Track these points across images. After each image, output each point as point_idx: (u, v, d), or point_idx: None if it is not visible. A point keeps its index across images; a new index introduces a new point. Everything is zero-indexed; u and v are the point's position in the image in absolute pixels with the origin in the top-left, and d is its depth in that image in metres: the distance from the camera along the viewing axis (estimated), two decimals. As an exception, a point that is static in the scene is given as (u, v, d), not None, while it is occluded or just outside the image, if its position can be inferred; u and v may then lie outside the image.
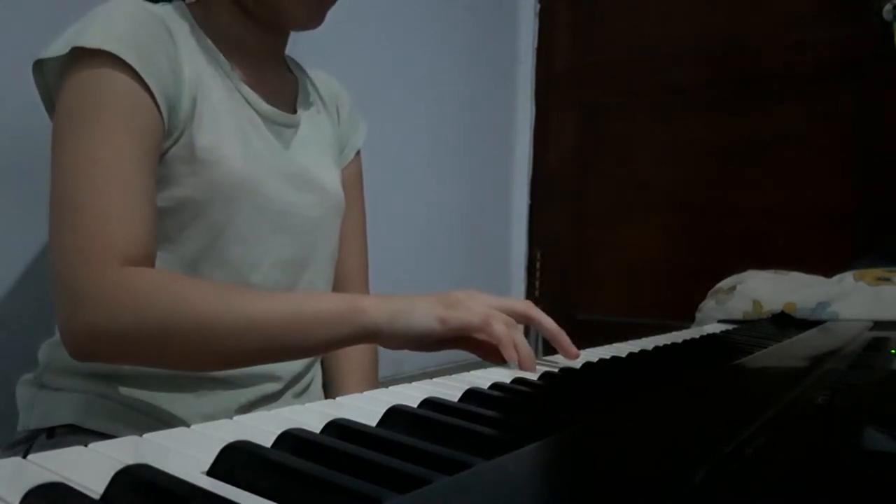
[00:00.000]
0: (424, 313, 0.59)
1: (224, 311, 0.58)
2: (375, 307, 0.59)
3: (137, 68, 0.63)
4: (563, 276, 2.05)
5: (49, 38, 0.66)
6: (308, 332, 0.59)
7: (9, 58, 0.87)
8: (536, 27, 2.10)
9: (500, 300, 0.62)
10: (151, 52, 0.65)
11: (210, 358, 0.63)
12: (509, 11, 2.07)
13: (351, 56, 1.38)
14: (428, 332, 0.59)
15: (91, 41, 0.62)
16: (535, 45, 2.10)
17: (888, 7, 1.56)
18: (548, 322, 0.62)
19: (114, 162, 0.61)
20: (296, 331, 0.59)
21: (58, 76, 0.66)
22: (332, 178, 0.84)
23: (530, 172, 2.10)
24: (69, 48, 0.63)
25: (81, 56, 0.63)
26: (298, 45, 0.86)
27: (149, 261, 0.62)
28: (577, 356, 0.62)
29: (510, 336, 0.58)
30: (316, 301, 0.60)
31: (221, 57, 0.74)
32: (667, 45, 1.88)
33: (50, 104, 0.68)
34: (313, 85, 0.89)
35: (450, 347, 0.63)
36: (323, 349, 0.62)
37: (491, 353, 0.62)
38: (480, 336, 0.60)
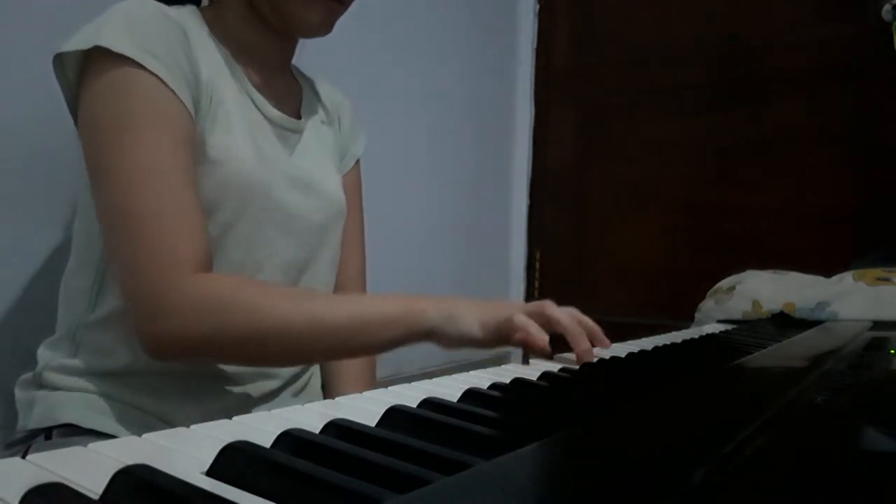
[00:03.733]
0: (470, 319, 0.63)
1: (297, 315, 0.62)
2: (433, 308, 0.64)
3: (164, 77, 0.64)
4: (562, 275, 2.05)
5: (54, 38, 0.66)
6: (373, 334, 0.63)
7: (12, 59, 0.87)
8: (536, 27, 2.10)
9: (535, 305, 0.66)
10: (174, 57, 0.66)
11: (283, 358, 0.71)
12: (508, 11, 2.07)
13: (351, 55, 1.38)
14: (470, 337, 0.64)
15: (115, 44, 0.63)
16: (535, 45, 2.10)
17: (887, 7, 1.56)
18: (565, 320, 0.65)
19: (165, 170, 0.64)
20: (362, 333, 0.63)
21: (76, 72, 0.67)
22: (334, 184, 0.85)
23: (529, 172, 2.10)
24: (91, 45, 0.63)
25: (106, 59, 0.64)
26: (300, 45, 0.86)
27: (210, 263, 0.66)
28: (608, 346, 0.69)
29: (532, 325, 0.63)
30: (380, 305, 0.64)
31: (233, 60, 0.75)
32: (666, 45, 1.88)
33: (71, 99, 0.69)
34: (316, 93, 0.90)
35: (500, 346, 0.67)
36: (385, 349, 0.66)
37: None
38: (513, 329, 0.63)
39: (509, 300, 2.00)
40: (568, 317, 0.65)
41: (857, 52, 1.63)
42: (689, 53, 1.85)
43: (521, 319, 0.63)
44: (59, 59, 0.67)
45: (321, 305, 0.65)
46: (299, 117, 0.83)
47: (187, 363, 0.71)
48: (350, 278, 0.91)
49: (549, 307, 0.66)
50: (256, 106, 0.76)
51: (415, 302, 0.64)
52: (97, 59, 0.64)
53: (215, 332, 0.62)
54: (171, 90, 0.65)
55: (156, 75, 0.64)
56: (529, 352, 0.66)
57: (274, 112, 0.78)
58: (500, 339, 0.64)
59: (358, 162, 0.95)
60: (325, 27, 0.76)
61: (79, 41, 0.64)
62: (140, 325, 0.64)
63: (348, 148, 0.93)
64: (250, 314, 0.62)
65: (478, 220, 1.94)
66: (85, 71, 0.65)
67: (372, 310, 0.64)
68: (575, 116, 2.05)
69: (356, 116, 0.96)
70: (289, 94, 0.84)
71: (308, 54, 0.87)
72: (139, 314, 0.63)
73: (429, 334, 0.64)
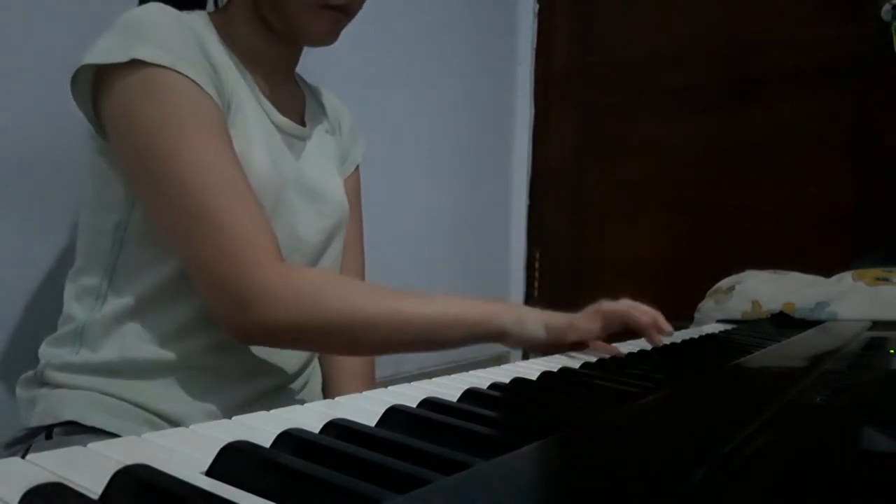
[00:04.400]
0: (535, 323, 0.70)
1: (382, 308, 0.66)
2: (506, 314, 0.69)
3: (198, 80, 0.65)
4: (561, 275, 2.05)
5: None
6: (450, 332, 0.68)
7: (14, 61, 0.87)
8: (535, 27, 2.10)
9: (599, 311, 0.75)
10: (201, 62, 0.67)
11: (367, 348, 0.76)
12: (508, 12, 2.07)
13: (351, 56, 1.38)
14: (536, 339, 0.70)
15: (148, 54, 0.64)
16: (534, 45, 2.10)
17: (886, 7, 1.56)
18: (642, 316, 0.76)
19: (222, 166, 0.65)
20: (440, 331, 0.68)
21: (92, 78, 0.67)
22: (338, 190, 0.86)
23: (529, 172, 2.10)
24: (128, 58, 0.63)
25: (139, 67, 0.64)
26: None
27: (280, 252, 0.67)
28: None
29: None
30: (461, 306, 0.69)
31: (242, 66, 0.76)
32: (666, 45, 1.88)
33: (84, 104, 0.69)
34: (318, 99, 0.92)
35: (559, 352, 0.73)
36: (457, 346, 0.70)
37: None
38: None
39: (509, 300, 2.00)
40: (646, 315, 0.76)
41: (857, 52, 1.63)
42: (689, 53, 1.85)
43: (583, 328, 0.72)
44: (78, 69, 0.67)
45: (406, 303, 0.68)
46: (303, 124, 0.84)
47: (279, 347, 0.74)
48: None
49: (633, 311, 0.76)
50: (265, 112, 0.77)
51: (490, 306, 0.70)
52: (126, 68, 0.64)
53: (303, 321, 0.64)
54: (207, 92, 0.66)
55: (190, 78, 0.65)
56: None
57: (281, 118, 0.79)
58: (559, 341, 0.72)
59: (357, 167, 0.96)
60: (331, 36, 0.77)
61: (108, 53, 0.64)
62: (229, 318, 0.65)
63: (348, 153, 0.94)
64: (338, 304, 0.65)
65: (477, 219, 1.94)
66: (114, 80, 0.65)
67: (452, 310, 0.68)
68: (575, 116, 2.05)
69: (356, 123, 0.97)
70: (293, 100, 0.85)
71: (309, 55, 0.87)
72: (227, 308, 0.64)
73: (499, 336, 0.69)
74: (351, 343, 0.69)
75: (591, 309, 0.75)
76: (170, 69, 0.64)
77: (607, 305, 0.75)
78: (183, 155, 0.64)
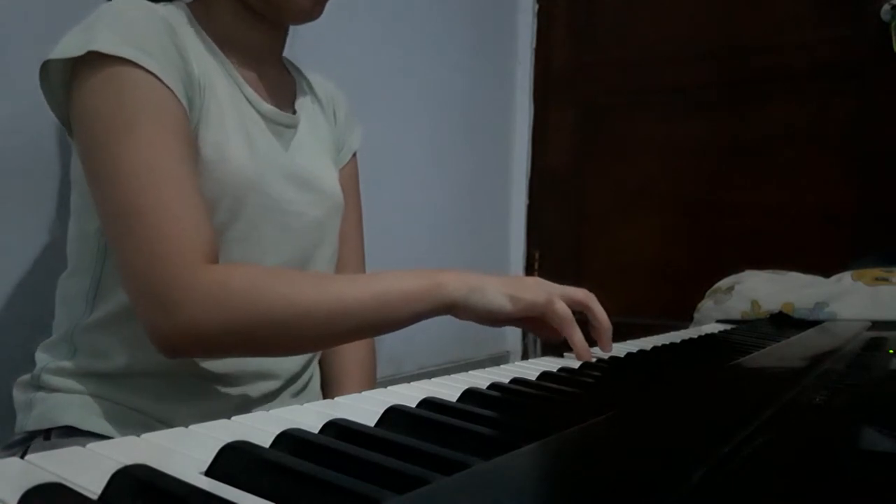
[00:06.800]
0: (497, 292, 0.64)
1: (319, 298, 0.62)
2: (454, 282, 0.64)
3: (159, 74, 0.64)
4: (560, 275, 2.03)
5: (51, 38, 0.66)
6: (396, 311, 0.63)
7: (9, 59, 0.87)
8: (535, 27, 2.10)
9: (561, 288, 0.68)
10: (167, 55, 0.65)
11: (307, 343, 0.70)
12: (508, 11, 2.07)
13: (350, 55, 1.38)
14: (499, 310, 0.64)
15: (108, 46, 0.62)
16: (534, 45, 2.10)
17: (886, 7, 1.56)
18: (601, 315, 0.69)
19: (167, 164, 0.62)
20: (385, 310, 0.63)
21: (65, 76, 0.66)
22: (331, 179, 0.84)
23: (528, 172, 2.10)
24: (85, 51, 0.62)
25: (100, 61, 0.63)
26: (298, 45, 0.86)
27: (217, 255, 0.64)
28: (609, 351, 0.69)
29: (571, 317, 0.65)
30: (401, 280, 0.64)
31: (222, 56, 0.74)
32: (666, 44, 1.88)
33: (55, 104, 0.68)
34: (310, 86, 0.89)
35: (516, 325, 0.69)
36: (408, 323, 0.65)
37: (553, 333, 0.67)
38: (547, 316, 0.65)
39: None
40: (605, 318, 0.69)
41: (857, 52, 1.63)
42: (689, 53, 1.85)
43: (563, 308, 0.65)
44: (45, 67, 0.66)
45: (344, 286, 0.64)
46: (293, 111, 0.82)
47: (204, 358, 0.70)
48: (348, 273, 0.90)
49: (593, 301, 0.69)
50: (249, 101, 0.75)
51: (436, 275, 0.65)
52: (90, 62, 0.63)
53: (234, 322, 0.60)
54: (168, 87, 0.64)
55: (151, 73, 0.63)
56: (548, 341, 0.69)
57: (267, 107, 0.77)
58: (531, 315, 0.65)
59: (355, 155, 0.94)
60: (316, 10, 0.75)
61: (70, 47, 0.63)
62: (154, 324, 0.61)
63: (345, 141, 0.92)
64: (271, 299, 0.61)
65: (477, 220, 1.94)
66: (77, 75, 0.64)
67: (394, 286, 0.63)
68: (574, 116, 2.05)
69: (352, 109, 0.94)
70: (282, 87, 0.83)
71: (308, 55, 0.87)
72: (151, 312, 0.61)
73: (451, 308, 0.64)
74: (292, 339, 0.64)
75: (576, 296, 0.68)
76: (129, 62, 0.62)
77: (593, 304, 0.69)
78: (125, 152, 0.61)
